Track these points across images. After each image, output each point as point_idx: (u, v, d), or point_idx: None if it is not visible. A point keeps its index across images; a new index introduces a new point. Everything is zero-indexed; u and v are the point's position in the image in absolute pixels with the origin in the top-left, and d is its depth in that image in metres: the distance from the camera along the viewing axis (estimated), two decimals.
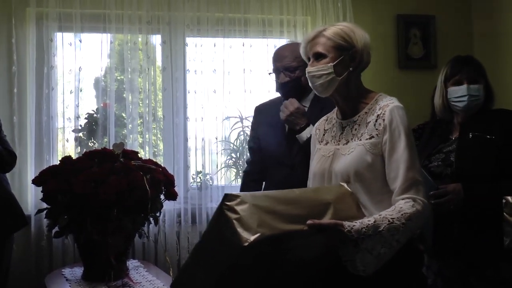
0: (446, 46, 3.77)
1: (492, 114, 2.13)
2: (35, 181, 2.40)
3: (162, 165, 2.56)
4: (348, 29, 1.59)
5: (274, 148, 2.42)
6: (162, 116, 3.42)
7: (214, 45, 3.47)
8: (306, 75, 1.65)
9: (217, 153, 3.46)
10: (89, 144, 3.39)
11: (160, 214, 2.41)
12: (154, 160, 2.83)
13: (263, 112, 2.59)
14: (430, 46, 3.81)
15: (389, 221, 1.37)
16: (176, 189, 2.45)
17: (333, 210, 1.36)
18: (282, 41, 3.57)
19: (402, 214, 1.40)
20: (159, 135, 3.49)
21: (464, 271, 2.00)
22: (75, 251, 3.22)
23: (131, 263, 2.57)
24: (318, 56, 1.58)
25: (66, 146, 3.37)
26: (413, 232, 1.45)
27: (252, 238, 1.12)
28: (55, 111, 3.34)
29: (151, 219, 2.35)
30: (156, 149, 3.46)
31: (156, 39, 3.51)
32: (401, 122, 1.52)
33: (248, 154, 2.71)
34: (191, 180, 3.46)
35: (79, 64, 3.34)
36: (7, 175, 2.83)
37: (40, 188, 2.34)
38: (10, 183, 2.90)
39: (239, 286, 1.30)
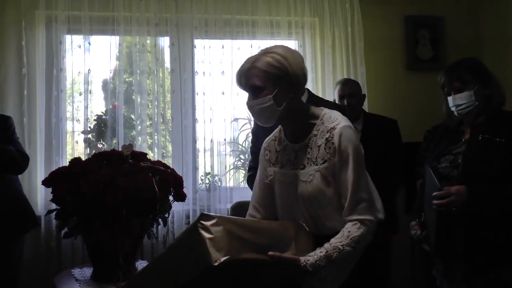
0: (455, 48, 3.75)
1: (505, 116, 2.10)
2: (45, 182, 2.41)
3: (171, 166, 2.57)
4: (280, 56, 1.56)
5: None
6: (170, 118, 3.43)
7: (222, 47, 3.48)
8: (247, 108, 1.66)
9: (225, 155, 3.47)
10: (98, 145, 3.41)
11: (168, 215, 2.41)
12: (163, 161, 2.83)
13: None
14: (439, 47, 3.80)
15: (339, 249, 1.47)
16: (184, 190, 2.45)
17: (294, 246, 1.47)
18: (290, 43, 3.58)
19: (351, 239, 1.49)
20: (167, 137, 3.50)
21: (468, 274, 1.98)
22: (84, 252, 3.24)
23: (140, 264, 2.57)
24: (256, 89, 1.58)
25: (75, 148, 3.40)
26: (363, 249, 1.54)
27: (222, 259, 1.20)
28: (65, 113, 3.37)
29: (159, 220, 2.36)
30: (164, 151, 3.47)
31: (165, 41, 3.52)
32: (348, 143, 1.56)
33: (251, 158, 2.73)
34: (200, 182, 3.47)
35: (88, 66, 3.36)
36: (18, 176, 2.85)
37: (50, 189, 2.35)
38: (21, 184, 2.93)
39: None
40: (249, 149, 3.50)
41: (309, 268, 1.42)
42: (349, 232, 1.51)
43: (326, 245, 1.49)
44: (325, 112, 1.66)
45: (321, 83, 3.58)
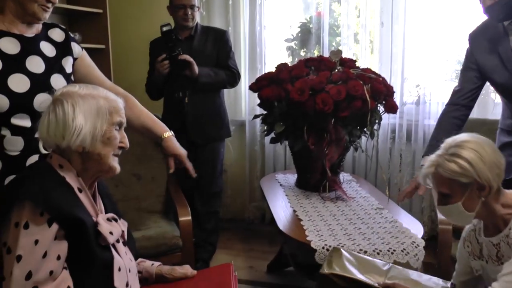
0: None
1: None
2: (252, 87, 2.44)
3: None
4: (466, 162, 1.37)
5: (495, 74, 1.99)
6: (379, 24, 3.12)
7: None
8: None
9: (438, 66, 3.06)
10: (301, 53, 3.34)
11: (378, 127, 2.25)
12: None
13: (476, 39, 2.09)
14: None
15: None
16: None
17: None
18: None
19: None
20: (373, 46, 3.21)
21: None
22: (286, 158, 3.32)
23: (343, 176, 2.51)
24: (443, 195, 1.45)
25: (278, 56, 3.37)
26: None
27: (327, 271, 1.53)
28: (268, 21, 3.34)
29: (367, 132, 2.22)
30: (370, 60, 3.22)
31: None
32: None
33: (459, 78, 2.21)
34: (408, 94, 3.18)
35: None
36: None
37: (254, 96, 2.35)
38: (226, 90, 3.06)
39: None
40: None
41: None
42: None
43: None
44: None
45: None
